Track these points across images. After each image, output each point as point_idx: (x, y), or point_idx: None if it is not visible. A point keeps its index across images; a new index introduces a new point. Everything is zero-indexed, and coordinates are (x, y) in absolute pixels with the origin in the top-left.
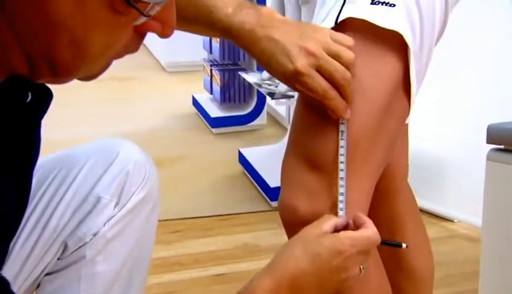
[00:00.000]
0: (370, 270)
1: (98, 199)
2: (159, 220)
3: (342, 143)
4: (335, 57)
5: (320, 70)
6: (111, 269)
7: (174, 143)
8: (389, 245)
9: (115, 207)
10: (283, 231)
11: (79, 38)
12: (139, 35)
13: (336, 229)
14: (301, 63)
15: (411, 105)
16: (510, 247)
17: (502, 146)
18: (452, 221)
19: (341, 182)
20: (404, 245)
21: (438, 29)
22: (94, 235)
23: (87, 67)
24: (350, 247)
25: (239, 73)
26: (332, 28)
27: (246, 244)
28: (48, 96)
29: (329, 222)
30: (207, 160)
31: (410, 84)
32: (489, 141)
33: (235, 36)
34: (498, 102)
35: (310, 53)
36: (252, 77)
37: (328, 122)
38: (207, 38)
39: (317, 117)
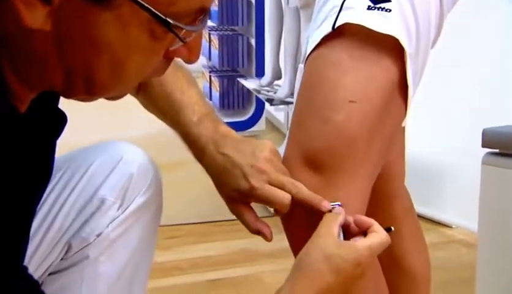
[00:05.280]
0: (370, 285)
1: (103, 201)
2: (159, 226)
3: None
4: (282, 173)
5: (271, 184)
6: (114, 269)
7: (173, 149)
8: None
9: (118, 209)
10: (282, 236)
11: (119, 59)
12: (167, 60)
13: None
14: (255, 180)
15: (408, 107)
16: (506, 249)
17: (497, 150)
18: (451, 227)
19: None
20: (393, 228)
21: (433, 32)
22: (98, 236)
23: (120, 87)
24: (368, 257)
25: (238, 79)
26: (330, 33)
27: (244, 249)
28: (64, 120)
29: (335, 224)
30: None
31: (407, 87)
32: (484, 145)
33: (190, 144)
34: (497, 107)
35: (261, 171)
36: (250, 83)
37: (328, 122)
38: (206, 45)
39: (314, 114)
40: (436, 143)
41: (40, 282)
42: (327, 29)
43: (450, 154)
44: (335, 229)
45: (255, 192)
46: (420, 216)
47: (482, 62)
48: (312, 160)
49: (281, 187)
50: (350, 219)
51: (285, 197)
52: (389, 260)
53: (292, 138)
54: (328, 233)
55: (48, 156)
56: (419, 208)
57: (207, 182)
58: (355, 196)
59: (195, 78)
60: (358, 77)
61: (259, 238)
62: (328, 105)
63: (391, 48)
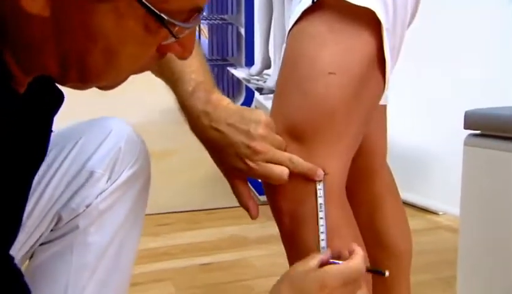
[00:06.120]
0: None
1: (92, 173)
2: (148, 214)
3: (320, 200)
4: (278, 145)
5: (268, 162)
6: (103, 240)
7: (163, 138)
8: (373, 273)
9: (107, 181)
10: (271, 223)
11: (113, 49)
12: (160, 54)
13: (323, 263)
14: (252, 161)
15: (387, 81)
16: (488, 229)
17: (479, 131)
18: (438, 214)
19: (322, 236)
20: (387, 273)
21: (410, 10)
22: (87, 207)
23: (112, 76)
24: (333, 280)
25: (228, 68)
26: (310, 7)
27: (233, 235)
28: (62, 97)
29: (316, 258)
30: (196, 154)
31: (384, 61)
32: (466, 127)
33: (186, 116)
34: (480, 91)
35: (257, 151)
36: (240, 72)
37: (308, 94)
38: (196, 34)
39: (294, 87)
40: (423, 131)
41: (31, 252)
42: (307, 2)
43: (437, 141)
44: (312, 262)
45: (253, 172)
46: (408, 203)
47: (471, 54)
48: (294, 131)
49: (278, 164)
50: (333, 251)
51: (284, 173)
52: (372, 237)
53: (274, 110)
54: (301, 263)
55: (46, 131)
56: (407, 195)
57: (197, 171)
58: (336, 165)
59: (198, 43)
60: (337, 50)
61: (247, 225)
62: (308, 77)
63: (369, 22)
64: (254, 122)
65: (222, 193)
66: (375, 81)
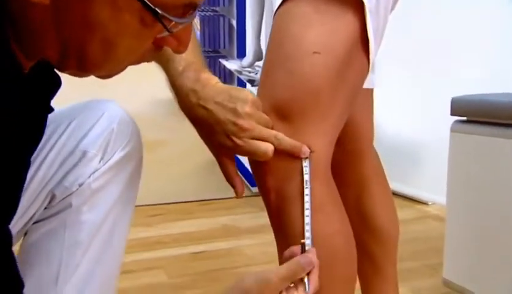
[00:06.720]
0: (336, 227)
1: (84, 153)
2: (141, 205)
3: (306, 177)
4: (265, 123)
5: (254, 138)
6: (95, 218)
7: (156, 128)
8: None
9: (100, 161)
10: (262, 214)
11: (110, 39)
12: (156, 47)
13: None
14: (238, 138)
15: (371, 62)
16: (474, 214)
17: (465, 118)
18: (427, 204)
19: (306, 212)
20: None
21: None
22: (80, 185)
23: (109, 66)
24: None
25: (220, 60)
26: None
27: (225, 225)
28: (59, 82)
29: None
30: (189, 145)
31: (368, 42)
32: (452, 113)
33: (175, 95)
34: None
35: (244, 129)
36: (232, 64)
37: (293, 73)
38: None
39: (280, 66)
40: (413, 121)
41: (25, 230)
42: None
43: (427, 132)
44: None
45: (239, 149)
46: (398, 193)
47: (470, 53)
48: (280, 110)
49: (264, 141)
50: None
51: (268, 150)
52: (359, 220)
53: (261, 89)
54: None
55: (44, 111)
56: (397, 185)
57: (189, 162)
58: (322, 143)
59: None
60: (322, 30)
61: (239, 215)
62: (293, 57)
63: (353, 3)
64: (241, 100)
65: (215, 184)
66: (359, 62)
